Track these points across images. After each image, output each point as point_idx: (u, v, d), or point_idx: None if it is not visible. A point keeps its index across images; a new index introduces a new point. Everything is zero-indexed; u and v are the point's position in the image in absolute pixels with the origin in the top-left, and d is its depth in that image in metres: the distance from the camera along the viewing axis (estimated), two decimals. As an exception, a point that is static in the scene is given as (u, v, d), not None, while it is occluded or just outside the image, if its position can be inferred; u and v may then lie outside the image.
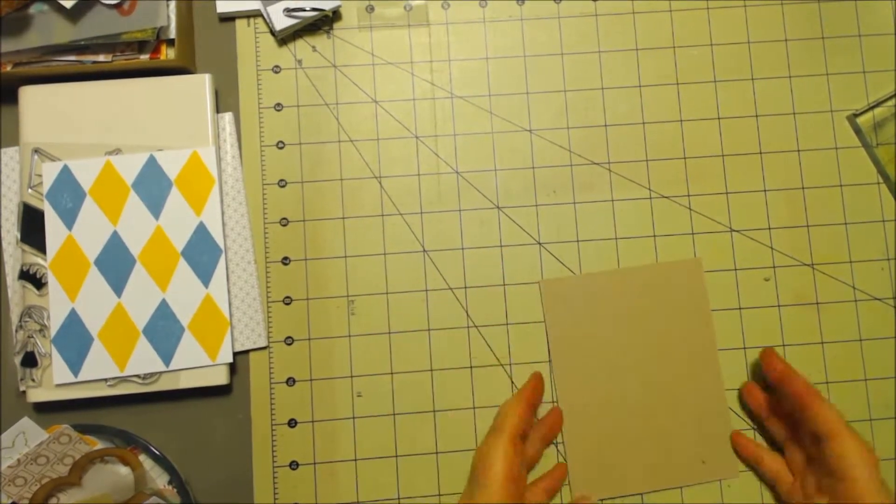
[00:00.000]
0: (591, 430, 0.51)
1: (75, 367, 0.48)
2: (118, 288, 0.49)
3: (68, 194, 0.49)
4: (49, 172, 0.49)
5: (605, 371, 0.52)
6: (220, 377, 0.50)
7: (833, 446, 0.45)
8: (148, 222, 0.49)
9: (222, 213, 0.50)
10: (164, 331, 0.49)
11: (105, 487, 0.46)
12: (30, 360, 0.49)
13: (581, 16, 0.55)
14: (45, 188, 0.49)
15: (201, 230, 0.49)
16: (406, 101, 0.54)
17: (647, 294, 0.52)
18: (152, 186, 0.50)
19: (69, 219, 0.49)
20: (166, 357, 0.49)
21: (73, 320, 0.48)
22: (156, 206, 0.50)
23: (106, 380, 0.49)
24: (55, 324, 0.48)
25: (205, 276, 0.49)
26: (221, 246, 0.50)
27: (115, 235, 0.49)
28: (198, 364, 0.49)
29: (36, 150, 0.50)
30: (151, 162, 0.50)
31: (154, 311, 0.49)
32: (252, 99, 0.54)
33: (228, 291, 0.50)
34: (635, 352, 0.52)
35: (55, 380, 0.48)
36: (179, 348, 0.49)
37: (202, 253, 0.49)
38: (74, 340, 0.48)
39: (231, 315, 0.51)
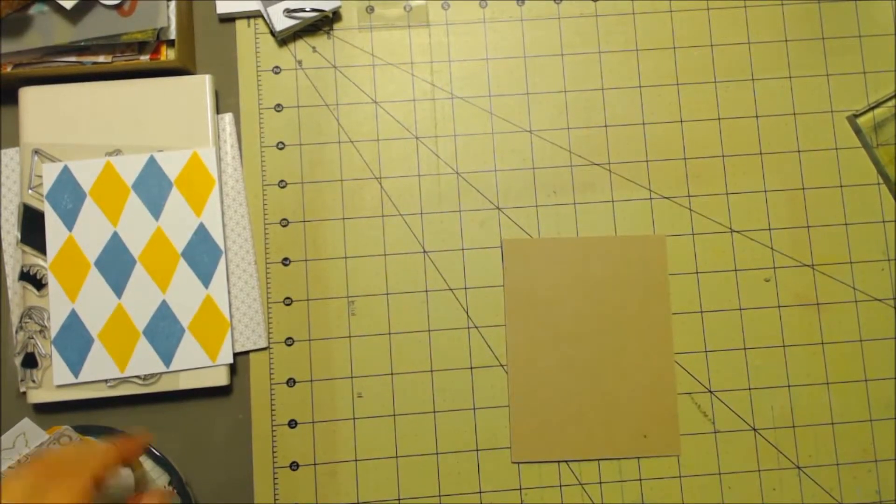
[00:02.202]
0: (537, 393, 0.52)
1: (76, 367, 0.48)
2: (118, 289, 0.49)
3: (68, 195, 0.49)
4: (49, 173, 0.49)
5: (558, 336, 0.52)
6: (220, 378, 0.50)
7: None
8: (148, 223, 0.49)
9: (222, 214, 0.50)
10: (164, 331, 0.49)
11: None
12: (30, 361, 0.49)
13: (581, 16, 0.55)
14: (46, 189, 0.49)
15: (201, 231, 0.50)
16: (406, 102, 0.54)
17: (608, 264, 0.53)
18: (152, 187, 0.50)
19: (69, 219, 0.49)
20: (167, 358, 0.49)
21: (74, 321, 0.49)
22: (156, 207, 0.50)
23: (106, 381, 0.49)
24: (55, 324, 0.48)
25: (205, 277, 0.49)
26: (221, 247, 0.50)
27: (115, 236, 0.49)
28: (198, 365, 0.49)
29: (36, 151, 0.50)
30: (151, 163, 0.50)
31: (154, 311, 0.49)
32: (252, 99, 0.54)
33: (229, 292, 0.50)
34: (589, 320, 0.52)
35: (56, 380, 0.48)
36: (180, 349, 0.49)
37: (202, 254, 0.50)
38: (75, 341, 0.48)
39: (231, 316, 0.51)
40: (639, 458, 0.52)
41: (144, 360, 0.49)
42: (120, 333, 0.49)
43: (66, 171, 0.49)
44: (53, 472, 0.36)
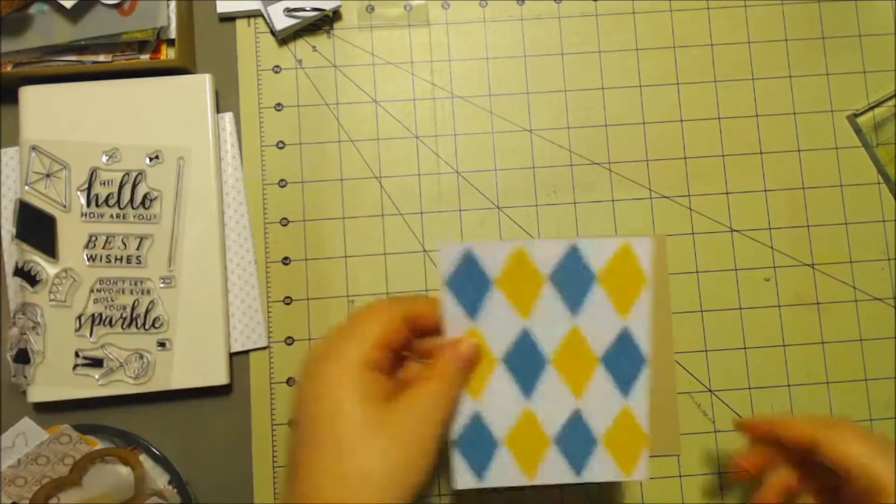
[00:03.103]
0: None
1: (480, 471, 0.42)
2: (527, 391, 0.42)
3: (472, 283, 0.41)
4: (450, 257, 0.41)
5: None
6: (219, 377, 0.50)
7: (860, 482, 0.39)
8: (563, 320, 0.42)
9: (649, 317, 0.42)
10: (575, 441, 0.42)
11: (105, 488, 0.46)
12: (22, 357, 0.49)
13: (581, 16, 0.55)
14: (446, 274, 0.41)
15: (625, 335, 0.42)
16: (406, 101, 0.54)
17: None
18: (571, 279, 0.42)
19: (472, 309, 0.41)
20: (578, 468, 0.42)
21: (477, 422, 0.42)
22: (574, 303, 0.42)
23: (97, 378, 0.49)
24: (459, 423, 0.42)
25: (624, 387, 0.42)
26: (645, 354, 0.43)
27: (525, 333, 0.42)
28: (611, 479, 0.43)
29: (34, 147, 0.50)
30: (573, 252, 0.42)
31: (566, 419, 0.42)
32: (252, 99, 0.54)
33: (647, 403, 0.43)
34: None
35: (458, 484, 0.42)
36: (592, 461, 0.42)
37: (623, 360, 0.42)
38: (478, 444, 0.42)
39: (231, 315, 0.51)
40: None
41: (554, 468, 0.42)
42: (527, 440, 0.42)
43: (470, 255, 0.42)
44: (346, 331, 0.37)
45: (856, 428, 0.41)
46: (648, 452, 0.42)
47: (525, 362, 0.42)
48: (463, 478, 0.42)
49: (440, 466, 0.41)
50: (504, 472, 0.42)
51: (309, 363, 0.37)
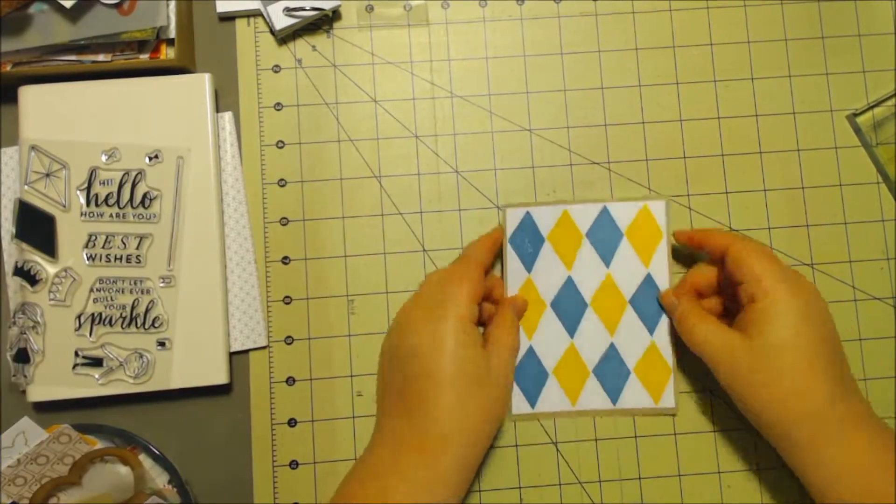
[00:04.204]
0: None
1: (532, 398, 0.51)
2: (571, 330, 0.51)
3: (529, 240, 0.51)
4: (513, 218, 0.51)
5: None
6: (219, 377, 0.50)
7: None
8: (599, 270, 0.51)
9: (669, 266, 0.51)
10: (611, 372, 0.51)
11: (105, 487, 0.46)
12: (22, 356, 0.49)
13: (581, 16, 0.55)
14: (509, 233, 0.51)
15: (649, 281, 0.51)
16: (406, 101, 0.54)
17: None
18: (604, 236, 0.51)
19: (529, 262, 0.51)
20: (613, 396, 0.51)
21: (531, 356, 0.51)
22: (607, 255, 0.51)
23: (97, 378, 0.49)
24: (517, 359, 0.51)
25: (650, 325, 0.51)
26: None
27: (569, 280, 0.51)
28: (643, 405, 0.51)
29: (33, 147, 0.50)
30: (604, 213, 0.51)
31: (603, 353, 0.51)
32: (252, 98, 0.54)
33: (672, 342, 0.51)
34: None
35: (513, 409, 0.51)
36: (626, 389, 0.51)
37: (648, 303, 0.51)
38: (531, 375, 0.51)
39: (230, 315, 0.51)
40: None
41: (593, 396, 0.51)
42: (572, 371, 0.51)
43: (528, 217, 0.51)
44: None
45: (763, 247, 0.48)
46: (674, 385, 0.51)
47: (569, 305, 0.51)
48: (519, 405, 0.51)
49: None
50: (552, 399, 0.51)
51: (414, 320, 0.46)
